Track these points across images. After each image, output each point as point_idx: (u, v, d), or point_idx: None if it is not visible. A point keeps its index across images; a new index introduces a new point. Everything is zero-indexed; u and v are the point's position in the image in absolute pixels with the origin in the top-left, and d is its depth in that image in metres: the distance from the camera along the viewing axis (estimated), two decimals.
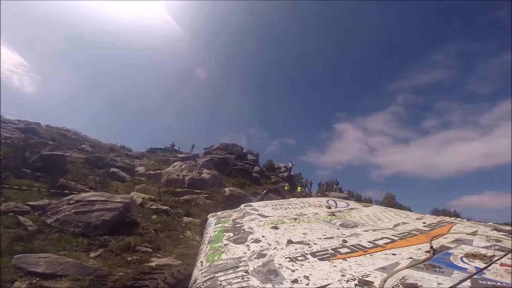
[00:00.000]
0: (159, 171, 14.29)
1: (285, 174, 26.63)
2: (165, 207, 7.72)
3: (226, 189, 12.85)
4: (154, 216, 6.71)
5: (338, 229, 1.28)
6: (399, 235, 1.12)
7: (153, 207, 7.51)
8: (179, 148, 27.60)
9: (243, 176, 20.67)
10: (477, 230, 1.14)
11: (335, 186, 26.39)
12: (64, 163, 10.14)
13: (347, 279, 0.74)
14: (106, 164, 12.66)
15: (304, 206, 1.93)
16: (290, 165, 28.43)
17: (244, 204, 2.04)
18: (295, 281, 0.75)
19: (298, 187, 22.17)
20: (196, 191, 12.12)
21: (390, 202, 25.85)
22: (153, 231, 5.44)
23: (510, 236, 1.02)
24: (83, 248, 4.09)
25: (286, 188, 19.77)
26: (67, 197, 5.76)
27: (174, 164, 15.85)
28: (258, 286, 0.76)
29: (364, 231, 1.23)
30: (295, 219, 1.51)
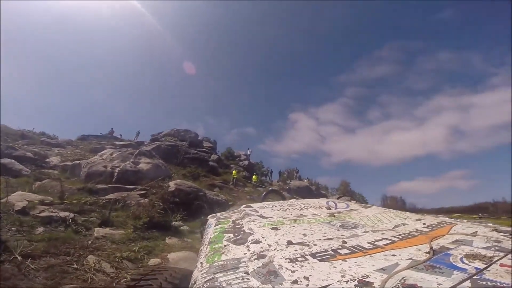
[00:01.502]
0: (78, 161, 10.85)
1: (246, 162, 25.16)
2: (65, 214, 5.02)
3: (171, 183, 9.70)
4: (41, 229, 4.28)
5: (338, 230, 1.28)
6: (399, 236, 1.13)
7: (44, 214, 4.88)
8: (120, 135, 23.08)
9: (198, 166, 17.97)
10: (477, 231, 1.16)
11: (295, 174, 25.93)
12: None
13: (347, 280, 0.74)
14: None
15: (304, 207, 1.93)
16: (248, 153, 26.94)
17: (244, 205, 2.03)
18: (295, 282, 0.75)
19: (254, 176, 20.50)
20: (129, 186, 9.13)
21: (345, 189, 26.67)
22: (19, 258, 3.01)
23: (510, 236, 1.04)
24: None
25: (234, 176, 18.24)
26: None
27: (102, 152, 12.22)
28: (258, 287, 0.76)
29: (364, 232, 1.23)
30: (295, 220, 1.50)
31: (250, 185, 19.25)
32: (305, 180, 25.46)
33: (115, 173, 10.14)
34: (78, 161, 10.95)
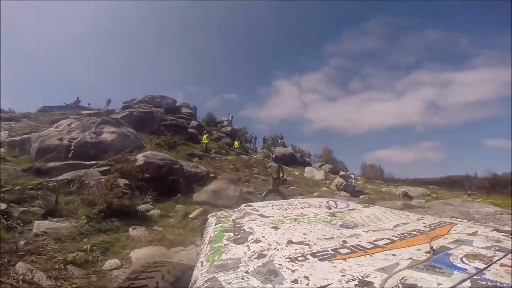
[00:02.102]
0: (27, 135, 8.99)
1: (228, 128, 23.94)
2: None
3: (140, 155, 8.12)
4: None
5: (338, 229, 1.28)
6: (399, 236, 1.13)
7: None
8: (88, 104, 20.79)
9: (176, 134, 16.24)
10: (477, 231, 1.16)
11: (279, 140, 25.57)
12: None
13: (347, 279, 0.74)
14: None
15: (304, 206, 1.93)
16: (230, 118, 25.95)
17: (244, 204, 2.02)
18: (295, 281, 0.75)
19: (235, 142, 19.61)
20: (88, 162, 7.45)
21: (327, 157, 26.74)
22: None
23: (510, 236, 1.05)
24: None
25: (204, 141, 16.38)
26: None
27: (59, 123, 10.18)
28: (258, 286, 0.76)
29: (364, 231, 1.23)
30: (295, 219, 1.50)
31: (233, 153, 18.20)
32: (290, 147, 25.00)
33: (72, 147, 8.25)
34: (28, 135, 8.95)
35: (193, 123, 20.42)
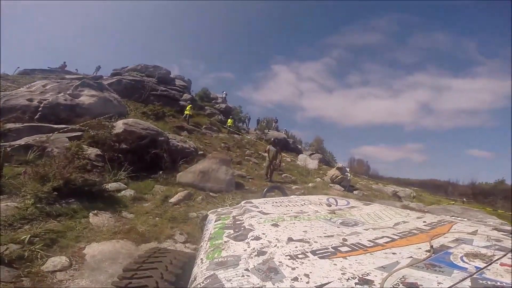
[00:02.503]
0: None
1: (223, 105, 23.31)
2: None
3: (120, 122, 6.94)
4: None
5: (339, 227, 1.29)
6: (399, 234, 1.14)
7: None
8: (76, 70, 18.81)
9: (166, 105, 15.33)
10: (477, 230, 1.16)
11: (274, 124, 25.59)
12: None
13: (347, 278, 0.74)
14: None
15: (304, 203, 1.94)
16: (224, 95, 25.50)
17: (244, 201, 2.01)
18: (295, 279, 0.75)
19: (229, 119, 18.92)
20: (56, 126, 6.37)
21: (318, 146, 26.75)
22: None
23: (510, 236, 1.05)
24: None
25: (187, 112, 15.45)
26: None
27: (32, 84, 9.09)
28: (258, 283, 0.76)
29: (365, 229, 1.23)
30: (295, 216, 1.50)
31: (225, 131, 17.59)
32: (283, 132, 24.97)
33: (40, 108, 7.02)
34: None
35: (186, 96, 19.39)
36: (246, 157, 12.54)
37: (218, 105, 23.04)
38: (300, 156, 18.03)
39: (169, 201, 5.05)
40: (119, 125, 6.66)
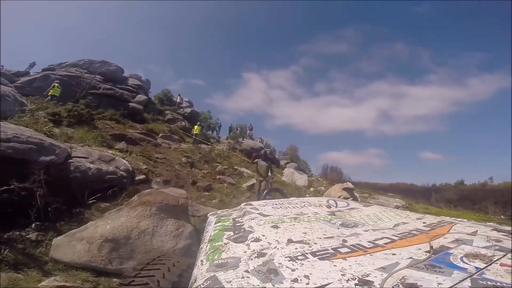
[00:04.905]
0: None
1: (188, 110, 19.81)
2: None
3: None
4: None
5: (338, 228, 1.29)
6: (399, 235, 1.14)
7: None
8: (2, 66, 15.02)
9: (110, 107, 12.75)
10: (477, 230, 1.16)
11: (249, 131, 22.77)
12: None
13: (347, 279, 0.74)
14: None
15: (304, 205, 1.94)
16: (179, 100, 20.95)
17: (244, 203, 2.03)
18: (295, 280, 0.75)
19: (195, 126, 15.10)
20: None
21: (293, 154, 25.64)
22: None
23: (510, 236, 1.05)
24: None
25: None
26: None
27: None
28: (258, 285, 0.76)
29: (364, 231, 1.24)
30: (295, 218, 1.50)
31: (190, 140, 14.27)
32: (258, 140, 22.31)
33: None
34: None
35: (140, 97, 16.14)
36: (217, 177, 9.10)
37: (182, 109, 19.62)
38: (286, 170, 15.35)
39: None
40: None
